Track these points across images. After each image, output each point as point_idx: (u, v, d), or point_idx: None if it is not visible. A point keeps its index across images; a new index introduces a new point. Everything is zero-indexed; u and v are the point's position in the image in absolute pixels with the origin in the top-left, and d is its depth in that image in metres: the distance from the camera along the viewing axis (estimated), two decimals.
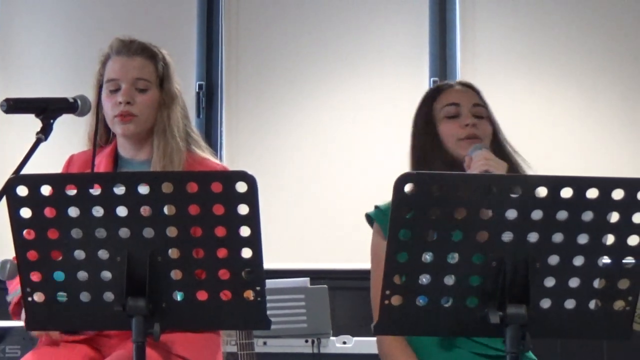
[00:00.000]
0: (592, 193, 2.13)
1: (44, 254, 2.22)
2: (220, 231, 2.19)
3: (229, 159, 5.23)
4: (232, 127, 5.35)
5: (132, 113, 2.91)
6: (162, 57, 3.00)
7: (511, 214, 2.15)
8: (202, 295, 2.25)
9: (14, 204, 2.18)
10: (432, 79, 5.12)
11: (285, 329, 4.16)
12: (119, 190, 2.18)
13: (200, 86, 5.34)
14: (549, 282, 2.19)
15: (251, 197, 2.17)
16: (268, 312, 2.26)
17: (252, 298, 2.25)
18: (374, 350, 2.84)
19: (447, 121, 2.88)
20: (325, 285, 4.29)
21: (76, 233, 2.21)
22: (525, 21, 5.19)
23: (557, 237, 2.16)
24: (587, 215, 2.15)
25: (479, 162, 2.70)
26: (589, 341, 4.61)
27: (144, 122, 2.93)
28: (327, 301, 4.23)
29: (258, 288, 2.24)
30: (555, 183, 2.13)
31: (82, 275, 2.23)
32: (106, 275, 2.23)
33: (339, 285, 4.78)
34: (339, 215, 4.99)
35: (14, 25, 5.46)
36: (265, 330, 2.29)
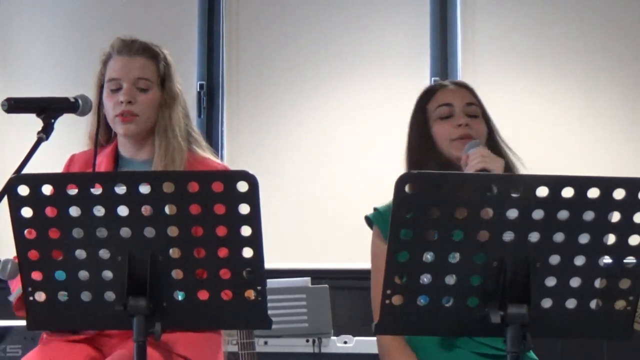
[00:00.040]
0: (593, 193, 2.13)
1: (45, 253, 2.22)
2: (221, 231, 2.19)
3: (230, 159, 5.23)
4: (233, 127, 5.35)
5: (134, 113, 2.91)
6: (163, 56, 3.00)
7: (512, 213, 2.15)
8: (203, 295, 2.25)
9: (15, 204, 2.18)
10: (432, 79, 5.12)
11: (286, 328, 4.16)
12: (120, 189, 2.18)
13: (201, 86, 5.34)
14: (550, 281, 2.20)
15: (252, 196, 2.17)
16: (269, 312, 2.26)
17: (253, 298, 2.25)
18: (374, 350, 2.85)
19: (440, 122, 2.88)
20: (326, 285, 4.29)
21: (77, 232, 2.21)
22: (525, 21, 5.19)
23: (558, 237, 2.16)
24: (588, 215, 2.15)
25: (476, 159, 2.70)
26: (589, 341, 4.61)
27: (145, 122, 2.93)
28: (328, 301, 4.23)
29: (259, 288, 2.24)
30: (556, 183, 2.13)
31: (83, 274, 2.23)
32: (107, 274, 2.23)
33: (340, 285, 4.78)
34: (339, 214, 4.99)
35: (14, 25, 5.46)
36: (266, 329, 2.29)
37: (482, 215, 2.15)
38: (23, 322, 2.34)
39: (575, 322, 2.23)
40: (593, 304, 2.22)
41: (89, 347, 2.83)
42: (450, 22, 5.24)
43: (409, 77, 5.17)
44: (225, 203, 2.17)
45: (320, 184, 5.20)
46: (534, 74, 5.17)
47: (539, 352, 2.81)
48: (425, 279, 2.19)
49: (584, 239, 2.17)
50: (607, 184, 2.13)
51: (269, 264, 2.24)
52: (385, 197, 2.87)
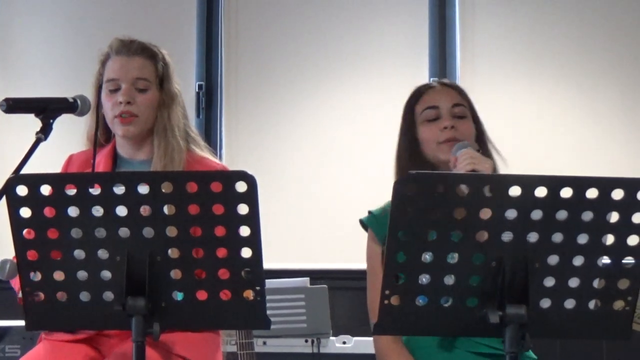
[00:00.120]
0: (592, 193, 2.13)
1: (43, 253, 2.22)
2: (220, 231, 2.19)
3: (229, 159, 5.23)
4: (232, 127, 5.35)
5: (133, 113, 2.91)
6: (162, 57, 3.00)
7: (511, 213, 2.15)
8: (201, 295, 2.25)
9: (14, 204, 2.18)
10: (431, 79, 5.12)
11: (285, 328, 4.16)
12: (119, 190, 2.18)
13: (200, 86, 5.34)
14: (549, 282, 2.20)
15: (251, 196, 2.17)
16: (268, 312, 2.26)
17: (251, 298, 2.25)
18: (373, 350, 2.84)
19: (427, 124, 2.88)
20: (325, 285, 4.29)
21: (76, 233, 2.21)
22: (525, 21, 5.19)
23: (557, 237, 2.16)
24: (587, 215, 2.15)
25: (465, 161, 2.69)
26: (588, 341, 4.61)
27: (145, 123, 2.93)
28: (326, 301, 4.23)
29: (258, 288, 2.24)
30: (555, 183, 2.13)
31: (82, 274, 2.23)
32: (106, 274, 2.23)
33: (339, 285, 4.78)
34: (338, 215, 4.99)
35: (14, 25, 5.46)
36: (265, 330, 2.29)
37: (481, 216, 2.15)
38: (22, 322, 2.34)
39: (574, 322, 2.23)
40: (592, 304, 2.22)
41: (87, 347, 2.83)
42: (449, 22, 5.24)
43: (408, 77, 5.17)
44: (224, 203, 2.17)
45: (320, 184, 5.20)
46: (533, 75, 5.16)
47: (538, 352, 2.81)
48: (424, 279, 2.19)
49: (582, 239, 2.17)
50: (605, 184, 2.13)
51: (267, 264, 2.24)
52: (384, 197, 2.88)
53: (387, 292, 2.20)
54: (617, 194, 2.14)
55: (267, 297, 2.26)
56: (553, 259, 2.18)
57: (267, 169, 5.15)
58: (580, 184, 2.13)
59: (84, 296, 2.25)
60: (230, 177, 2.18)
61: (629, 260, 2.19)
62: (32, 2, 5.46)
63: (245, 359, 3.69)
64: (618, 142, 5.06)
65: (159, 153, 2.91)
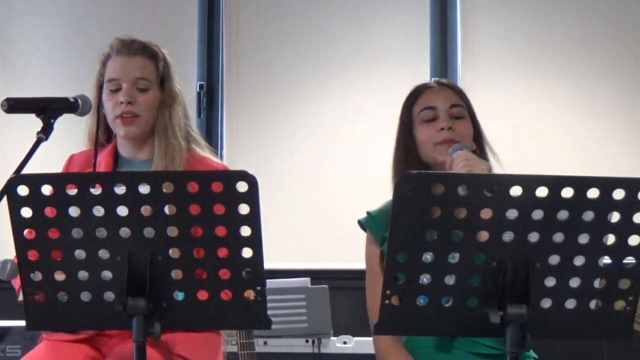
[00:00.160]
0: (593, 193, 2.13)
1: (44, 253, 2.22)
2: (220, 231, 2.19)
3: (230, 159, 5.23)
4: (233, 127, 5.35)
5: (134, 113, 2.91)
6: (162, 56, 3.00)
7: (512, 213, 2.15)
8: (202, 295, 2.25)
9: (15, 204, 2.18)
10: (432, 79, 5.12)
11: (286, 328, 4.16)
12: (120, 189, 2.18)
13: (200, 86, 5.34)
14: (550, 282, 2.19)
15: (252, 196, 2.17)
16: (268, 312, 2.26)
17: (252, 298, 2.25)
18: (373, 350, 2.84)
19: (424, 125, 2.87)
20: (325, 285, 4.29)
21: (77, 233, 2.21)
22: (525, 21, 5.19)
23: (558, 237, 2.16)
24: (588, 215, 2.15)
25: (461, 163, 2.69)
26: (589, 341, 4.61)
27: (146, 123, 2.93)
28: (327, 301, 4.23)
29: (258, 288, 2.24)
30: (555, 183, 2.13)
31: (83, 274, 2.23)
32: (107, 274, 2.23)
33: (340, 285, 4.78)
34: (339, 215, 4.99)
35: (14, 25, 5.46)
36: (266, 330, 2.29)
37: (482, 216, 2.15)
38: (22, 322, 2.34)
39: (574, 322, 2.23)
40: (592, 304, 2.22)
41: (88, 347, 2.83)
42: (450, 22, 5.24)
43: (408, 77, 5.16)
44: (224, 203, 2.17)
45: (320, 184, 5.20)
46: (533, 75, 5.17)
47: (539, 352, 2.81)
48: (425, 279, 2.19)
49: (583, 239, 2.17)
50: (606, 184, 2.13)
51: (268, 264, 2.24)
52: (384, 197, 2.88)
53: (387, 292, 2.20)
54: (618, 194, 2.14)
55: (268, 297, 2.26)
56: (554, 259, 2.18)
57: (268, 169, 5.16)
58: (581, 184, 2.13)
59: (85, 296, 2.25)
60: (231, 177, 2.18)
61: (629, 260, 2.19)
62: (32, 2, 5.46)
63: (246, 359, 3.69)
64: (618, 142, 5.06)
65: (160, 153, 2.91)
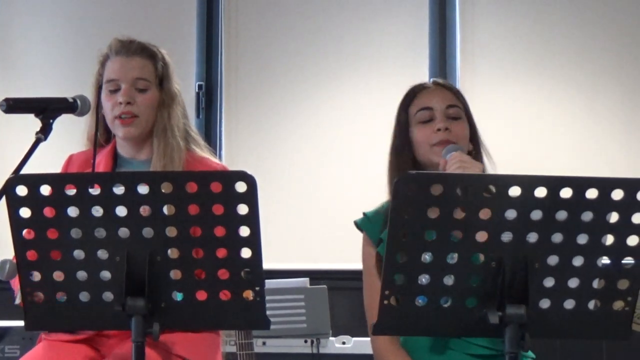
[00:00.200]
0: (592, 193, 2.13)
1: (43, 253, 2.22)
2: (219, 231, 2.19)
3: (229, 159, 5.23)
4: (232, 128, 5.35)
5: (133, 113, 2.91)
6: (161, 56, 3.00)
7: (510, 214, 2.15)
8: (201, 295, 2.25)
9: (14, 204, 2.18)
10: (431, 80, 5.12)
11: (285, 329, 4.16)
12: (119, 190, 2.18)
13: (199, 86, 5.34)
14: (549, 282, 2.19)
15: (251, 197, 2.17)
16: (267, 312, 2.26)
17: (251, 298, 2.25)
18: (372, 350, 2.84)
19: (420, 126, 2.86)
20: (324, 286, 4.29)
21: (76, 233, 2.21)
22: (525, 21, 5.19)
23: (557, 238, 2.16)
24: (587, 216, 2.15)
25: (454, 165, 2.68)
26: (588, 341, 4.61)
27: (145, 123, 2.93)
28: (326, 301, 4.23)
29: (257, 288, 2.24)
30: (554, 183, 2.13)
31: (82, 275, 2.23)
32: (105, 275, 2.23)
33: (339, 285, 4.78)
34: (338, 215, 4.98)
35: (14, 25, 5.46)
36: (265, 330, 2.29)
37: (481, 216, 2.15)
38: (21, 323, 2.34)
39: (573, 322, 2.23)
40: (591, 305, 2.22)
41: (87, 347, 2.83)
42: (449, 22, 5.24)
43: (408, 77, 5.15)
44: (223, 203, 2.17)
45: (319, 185, 5.20)
46: (533, 75, 5.16)
47: (538, 352, 2.81)
48: (424, 279, 2.19)
49: (582, 239, 2.17)
50: (605, 184, 2.13)
51: (267, 265, 2.24)
52: (384, 197, 2.88)
53: (386, 292, 2.20)
54: (617, 194, 2.14)
55: (267, 298, 2.26)
56: (553, 259, 2.18)
57: (267, 169, 5.15)
58: (580, 184, 2.13)
59: (84, 296, 2.25)
60: (230, 177, 2.18)
61: (628, 260, 2.19)
62: (32, 2, 5.46)
63: (245, 359, 3.69)
64: (618, 142, 5.06)
65: (159, 153, 2.91)
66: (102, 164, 2.95)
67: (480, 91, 5.07)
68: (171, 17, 5.40)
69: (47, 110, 2.67)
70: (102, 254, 2.22)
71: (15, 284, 2.80)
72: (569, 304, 2.21)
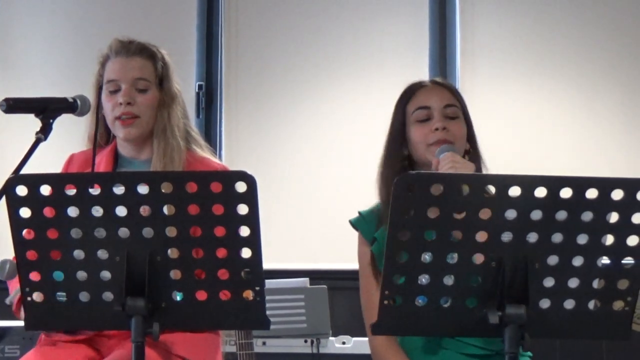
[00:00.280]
0: (592, 193, 2.13)
1: (43, 253, 2.22)
2: (219, 231, 2.19)
3: (229, 159, 5.23)
4: (232, 128, 5.35)
5: (134, 114, 2.91)
6: (161, 56, 3.00)
7: (510, 214, 2.15)
8: (201, 295, 2.25)
9: (14, 204, 2.18)
10: (429, 78, 5.12)
11: (285, 329, 4.16)
12: (119, 190, 2.18)
13: (200, 86, 5.34)
14: (548, 282, 2.19)
15: (251, 197, 2.17)
16: (267, 312, 2.26)
17: (251, 298, 2.25)
18: (370, 350, 2.84)
19: (418, 125, 2.85)
20: (324, 286, 4.29)
21: (75, 233, 2.21)
22: (524, 21, 5.19)
23: (557, 238, 2.16)
24: (587, 216, 2.15)
25: (447, 165, 2.67)
26: (588, 341, 4.61)
27: (146, 124, 2.93)
28: (326, 301, 4.23)
29: (257, 288, 2.24)
30: (554, 183, 2.13)
31: (82, 275, 2.23)
32: (105, 275, 2.23)
33: (339, 285, 4.78)
34: (338, 215, 4.95)
35: (14, 25, 5.46)
36: (265, 330, 2.29)
37: (481, 216, 2.15)
38: (21, 323, 2.34)
39: (573, 322, 2.23)
40: (591, 305, 2.22)
41: (87, 347, 2.83)
42: (449, 22, 5.24)
43: (408, 77, 5.14)
44: (223, 203, 2.17)
45: (319, 185, 5.20)
46: (533, 75, 5.16)
47: (538, 352, 2.81)
48: (424, 279, 2.19)
49: (582, 239, 2.17)
50: (605, 184, 2.13)
51: (267, 265, 2.24)
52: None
53: (386, 292, 2.20)
54: (617, 194, 2.14)
55: (267, 298, 2.26)
56: (553, 259, 2.18)
57: (267, 169, 5.15)
58: (580, 184, 2.13)
59: (84, 296, 2.25)
60: (230, 177, 2.18)
61: (628, 260, 2.19)
62: (32, 2, 5.46)
63: (245, 359, 3.69)
64: (618, 142, 5.06)
65: (159, 153, 2.91)
66: (102, 163, 2.95)
67: (480, 91, 5.07)
68: (171, 17, 5.40)
69: (47, 110, 2.67)
70: (102, 254, 2.22)
71: (11, 284, 2.80)
72: (569, 304, 2.21)
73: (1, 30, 5.45)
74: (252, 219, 2.18)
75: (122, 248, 2.21)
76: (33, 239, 2.21)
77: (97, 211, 2.19)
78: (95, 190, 2.18)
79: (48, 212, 2.20)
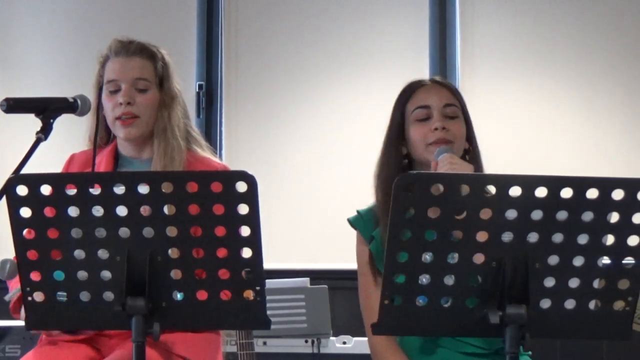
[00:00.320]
0: (592, 193, 2.13)
1: (44, 253, 2.22)
2: (220, 231, 2.19)
3: (229, 159, 5.23)
4: (232, 127, 5.35)
5: (134, 114, 2.91)
6: (161, 56, 3.00)
7: (511, 214, 2.15)
8: (202, 295, 2.25)
9: (14, 204, 2.18)
10: (429, 78, 5.11)
11: (285, 329, 4.16)
12: (119, 189, 2.18)
13: (200, 86, 5.34)
14: (549, 282, 2.19)
15: (251, 196, 2.17)
16: (268, 312, 2.26)
17: (252, 298, 2.25)
18: (369, 350, 2.84)
19: (417, 124, 2.84)
20: (325, 285, 4.29)
21: (76, 233, 2.21)
22: (525, 21, 5.19)
23: (557, 238, 2.16)
24: (587, 216, 2.15)
25: (445, 166, 2.67)
26: (588, 341, 4.61)
27: (146, 124, 2.93)
28: (327, 301, 4.23)
29: (258, 288, 2.24)
30: (555, 183, 2.13)
31: (82, 274, 2.23)
32: (106, 274, 2.23)
33: (339, 285, 4.78)
34: (339, 215, 4.94)
35: (14, 25, 5.46)
36: (265, 330, 2.29)
37: (481, 216, 2.15)
38: (22, 322, 2.34)
39: (574, 322, 2.23)
40: (592, 305, 2.22)
41: (87, 347, 2.83)
42: (449, 22, 5.24)
43: (408, 77, 5.15)
44: (224, 203, 2.17)
45: (320, 185, 5.20)
46: (533, 75, 5.16)
47: (538, 352, 2.81)
48: (424, 279, 2.19)
49: (582, 239, 2.17)
50: (606, 184, 2.13)
51: (267, 264, 2.24)
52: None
53: (387, 292, 2.20)
54: (618, 194, 2.14)
55: (267, 297, 2.26)
56: (553, 259, 2.18)
57: (267, 169, 5.15)
58: (580, 184, 2.13)
59: (84, 296, 2.25)
60: (231, 177, 2.18)
61: (629, 260, 2.19)
62: (32, 2, 5.46)
63: (246, 359, 3.69)
64: (618, 142, 5.06)
65: (159, 153, 2.91)
66: (103, 163, 2.95)
67: (480, 91, 5.07)
68: (171, 17, 5.40)
69: (47, 110, 2.67)
70: (103, 253, 2.22)
71: (11, 284, 2.80)
72: (570, 304, 2.21)
73: (1, 30, 5.45)
74: (253, 219, 2.18)
75: (123, 248, 2.21)
76: (33, 238, 2.21)
77: (98, 211, 2.19)
78: (95, 190, 2.18)
79: (48, 211, 2.20)
